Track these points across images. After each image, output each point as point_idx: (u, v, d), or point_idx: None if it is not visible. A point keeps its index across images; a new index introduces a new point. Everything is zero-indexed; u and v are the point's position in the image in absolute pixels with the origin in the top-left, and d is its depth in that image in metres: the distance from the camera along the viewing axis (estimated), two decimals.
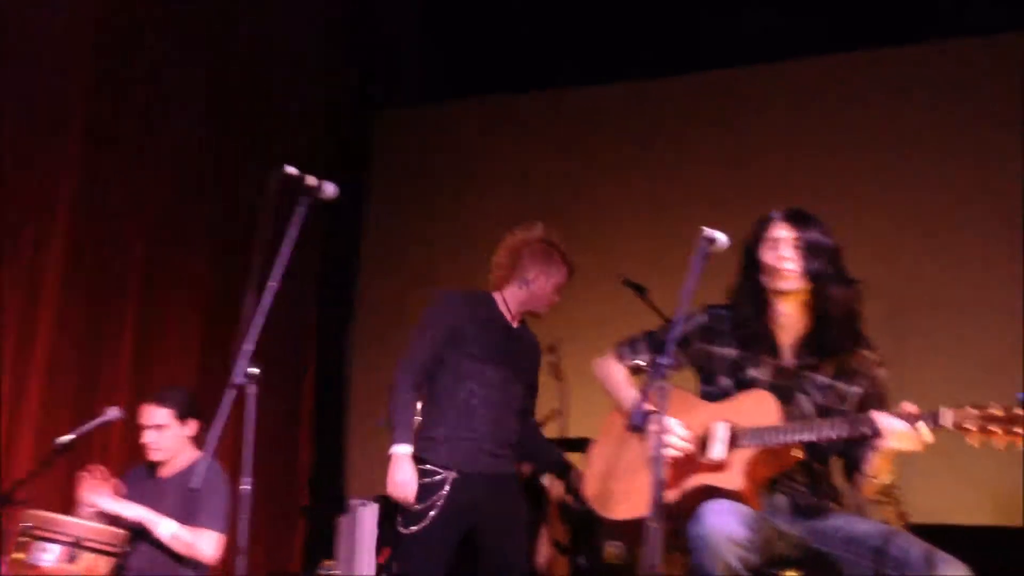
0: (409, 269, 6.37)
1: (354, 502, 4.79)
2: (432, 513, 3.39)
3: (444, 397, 3.49)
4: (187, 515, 3.53)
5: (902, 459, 2.60)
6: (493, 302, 3.61)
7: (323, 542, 5.41)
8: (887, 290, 4.99)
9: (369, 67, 6.37)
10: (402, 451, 3.40)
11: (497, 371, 3.49)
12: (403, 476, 3.38)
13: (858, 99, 5.50)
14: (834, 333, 2.72)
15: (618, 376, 2.94)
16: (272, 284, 2.56)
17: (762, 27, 5.45)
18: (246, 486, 2.52)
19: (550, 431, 4.58)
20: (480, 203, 6.26)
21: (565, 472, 3.75)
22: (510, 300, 3.61)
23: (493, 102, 6.29)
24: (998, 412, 2.41)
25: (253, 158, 5.67)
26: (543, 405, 4.09)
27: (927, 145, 5.36)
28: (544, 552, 4.62)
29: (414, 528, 3.40)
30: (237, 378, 2.52)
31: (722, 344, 2.83)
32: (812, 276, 2.70)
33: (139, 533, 3.49)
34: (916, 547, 2.51)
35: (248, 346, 2.51)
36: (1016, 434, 2.38)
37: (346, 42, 6.25)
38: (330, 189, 2.68)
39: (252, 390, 2.52)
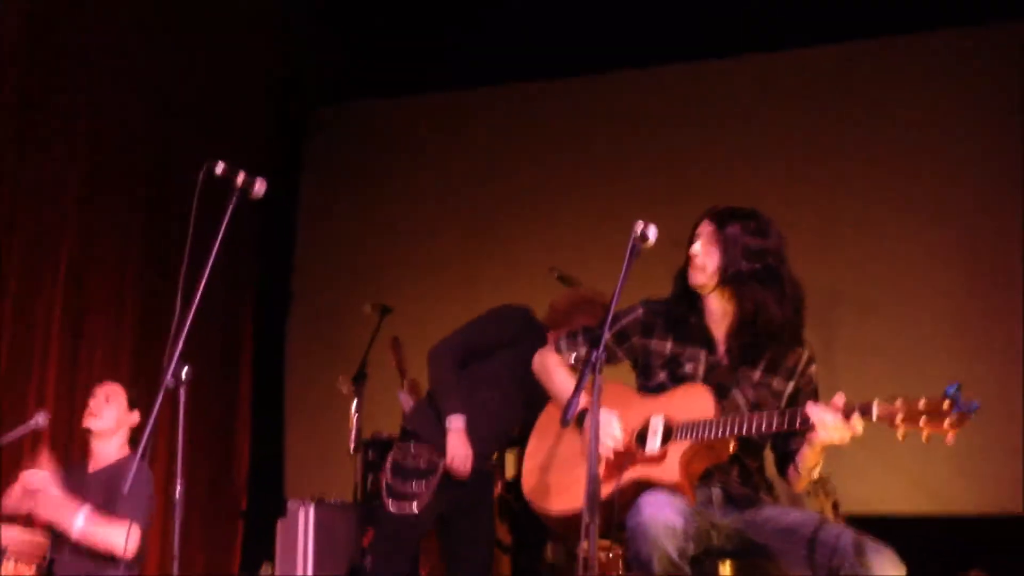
0: (345, 270, 6.33)
1: (293, 504, 4.75)
2: (424, 496, 3.57)
3: (459, 394, 3.66)
4: (107, 510, 3.49)
5: (834, 451, 2.64)
6: (544, 339, 3.76)
7: (262, 544, 5.35)
8: (819, 285, 5.08)
9: (302, 64, 6.30)
10: (458, 424, 3.60)
11: (518, 395, 3.68)
12: (460, 451, 3.57)
13: (792, 98, 5.58)
14: (757, 331, 2.73)
15: (556, 370, 2.95)
16: (201, 283, 2.51)
17: (711, 22, 5.48)
18: (179, 489, 2.48)
19: None
20: (417, 201, 6.23)
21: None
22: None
23: (429, 99, 6.27)
24: (924, 405, 2.46)
25: (185, 154, 5.57)
26: None
27: (861, 143, 5.45)
28: None
29: (407, 506, 3.58)
30: (168, 380, 2.48)
31: (659, 338, 2.85)
32: (726, 273, 2.70)
33: (63, 538, 3.44)
34: (846, 535, 2.56)
35: (179, 348, 2.47)
36: (941, 427, 2.44)
37: (279, 39, 6.18)
38: (260, 186, 2.65)
39: (184, 392, 2.49)
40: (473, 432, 3.63)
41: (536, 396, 3.63)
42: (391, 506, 3.59)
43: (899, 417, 2.47)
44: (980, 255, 5.19)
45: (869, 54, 5.45)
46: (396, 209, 6.28)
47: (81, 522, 3.41)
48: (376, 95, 6.35)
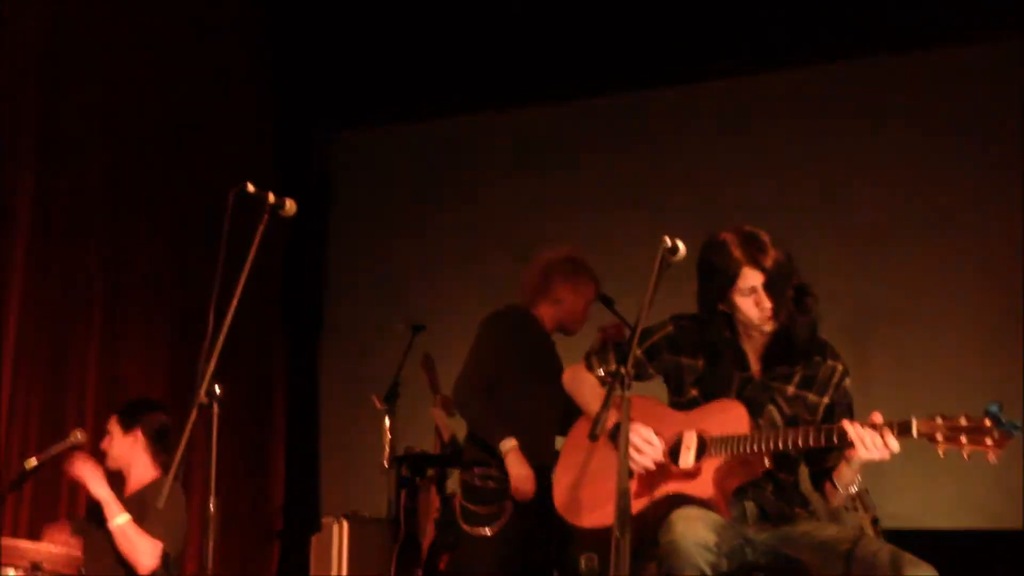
0: (376, 288, 6.35)
1: (327, 520, 4.76)
2: (501, 517, 3.51)
3: (506, 410, 3.59)
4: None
5: (874, 465, 2.62)
6: (536, 320, 3.76)
7: (298, 563, 5.36)
8: (851, 300, 5.04)
9: (331, 86, 6.37)
10: (509, 446, 3.53)
11: (547, 387, 3.56)
12: (522, 471, 3.50)
13: (817, 112, 5.53)
14: (796, 345, 2.75)
15: (586, 385, 2.94)
16: (233, 302, 2.54)
17: (726, 39, 5.47)
18: (212, 506, 2.49)
19: None
20: (448, 220, 6.25)
21: None
22: (544, 317, 3.78)
23: (457, 120, 6.29)
24: (965, 423, 2.44)
25: (214, 178, 5.63)
26: None
27: (888, 156, 5.40)
28: None
29: (482, 530, 3.51)
30: (200, 399, 2.50)
31: (690, 355, 2.84)
32: (780, 310, 2.71)
33: (97, 554, 3.46)
34: (883, 550, 2.53)
35: (210, 366, 2.49)
36: (984, 444, 2.41)
37: (307, 62, 6.26)
38: (290, 205, 2.68)
39: (216, 410, 2.50)
40: (532, 450, 3.58)
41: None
42: (467, 530, 3.56)
43: (940, 435, 2.45)
44: (1017, 265, 5.10)
45: (890, 67, 5.40)
46: (427, 227, 6.29)
47: (122, 521, 3.45)
48: (404, 117, 6.38)
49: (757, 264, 2.67)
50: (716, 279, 2.72)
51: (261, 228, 2.61)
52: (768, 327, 2.72)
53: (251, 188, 2.64)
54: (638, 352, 2.76)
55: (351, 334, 6.36)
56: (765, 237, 2.72)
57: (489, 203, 6.17)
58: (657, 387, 2.94)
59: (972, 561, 4.14)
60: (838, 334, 2.90)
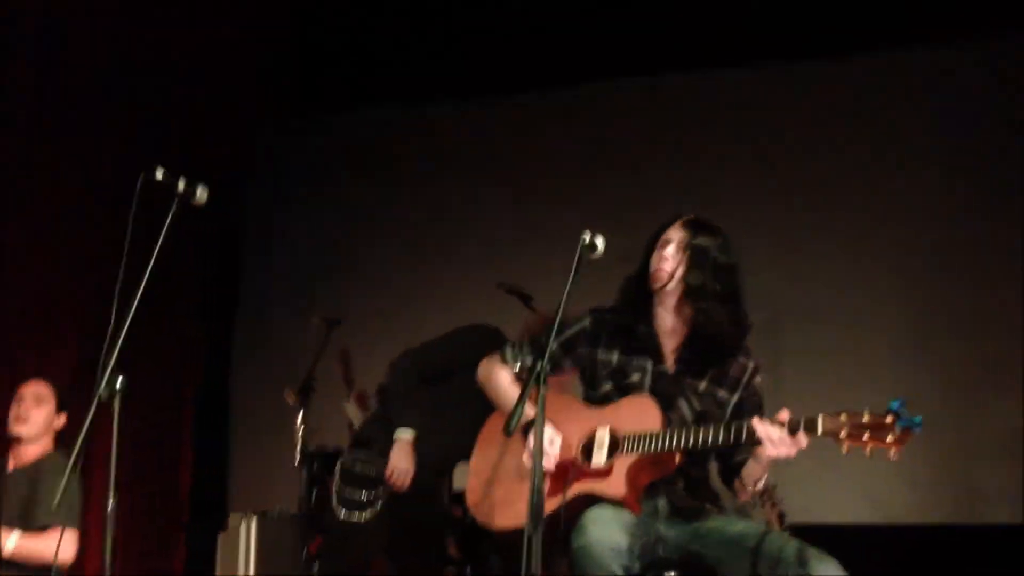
0: (293, 281, 6.26)
1: (234, 517, 4.66)
2: (375, 504, 3.51)
3: (414, 406, 3.58)
4: (29, 515, 3.42)
5: (780, 460, 2.65)
6: None
7: (204, 558, 5.25)
8: (765, 298, 5.12)
9: (252, 76, 6.24)
10: (404, 435, 3.54)
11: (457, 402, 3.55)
12: (401, 464, 3.51)
13: (744, 113, 5.62)
14: (707, 346, 2.76)
15: (500, 380, 2.92)
16: (139, 291, 2.46)
17: (673, 35, 5.47)
18: (111, 503, 2.41)
19: None
20: (366, 214, 6.20)
21: None
22: None
23: (379, 113, 6.23)
24: (868, 420, 2.47)
25: (135, 167, 5.47)
26: None
27: (801, 154, 5.51)
28: None
29: (356, 515, 3.53)
30: (102, 391, 2.42)
31: (606, 348, 2.84)
32: (689, 284, 2.71)
33: None
34: (789, 545, 2.57)
35: (113, 357, 2.41)
36: (885, 441, 2.45)
37: (228, 51, 6.11)
38: (202, 193, 2.61)
39: (118, 403, 2.42)
40: (432, 449, 3.55)
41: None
42: (340, 514, 3.52)
43: (843, 432, 2.48)
44: (927, 265, 5.25)
45: (824, 70, 5.51)
46: (345, 222, 6.23)
47: (15, 540, 3.36)
48: (326, 108, 6.30)
49: (686, 232, 2.73)
50: (653, 235, 2.79)
51: (170, 216, 2.54)
52: (656, 280, 2.73)
53: (160, 175, 2.56)
54: (553, 346, 2.75)
55: (265, 326, 6.26)
56: (716, 232, 2.76)
57: (410, 198, 6.13)
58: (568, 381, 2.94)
59: (876, 555, 4.25)
60: (753, 332, 2.92)
